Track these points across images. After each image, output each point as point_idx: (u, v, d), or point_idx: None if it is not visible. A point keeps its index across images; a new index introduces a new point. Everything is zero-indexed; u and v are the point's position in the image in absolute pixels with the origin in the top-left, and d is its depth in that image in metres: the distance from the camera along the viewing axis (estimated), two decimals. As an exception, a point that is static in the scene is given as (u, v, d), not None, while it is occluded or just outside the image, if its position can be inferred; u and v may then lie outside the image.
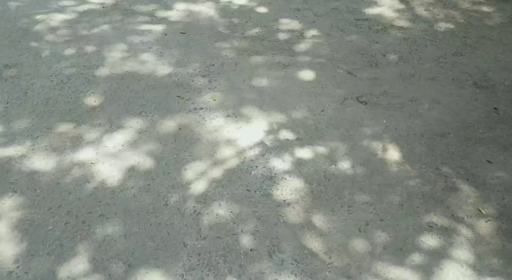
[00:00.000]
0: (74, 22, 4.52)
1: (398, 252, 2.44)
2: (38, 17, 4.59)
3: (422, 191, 2.80)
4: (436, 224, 2.60)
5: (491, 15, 4.79)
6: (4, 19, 4.55)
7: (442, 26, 4.60)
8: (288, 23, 4.60)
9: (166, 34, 4.34)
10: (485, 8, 4.92)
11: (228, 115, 3.35)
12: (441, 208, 2.69)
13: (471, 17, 4.76)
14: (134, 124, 3.24)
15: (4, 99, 3.45)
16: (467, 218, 2.64)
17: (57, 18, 4.58)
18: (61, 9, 4.75)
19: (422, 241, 2.51)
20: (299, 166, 2.95)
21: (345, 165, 2.97)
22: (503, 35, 4.44)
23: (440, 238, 2.52)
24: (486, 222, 2.63)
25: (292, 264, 2.37)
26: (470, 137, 3.22)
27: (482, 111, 3.47)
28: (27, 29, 4.38)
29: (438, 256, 2.43)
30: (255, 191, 2.77)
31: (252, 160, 2.99)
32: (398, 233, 2.54)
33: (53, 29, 4.38)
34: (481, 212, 2.68)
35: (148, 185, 2.79)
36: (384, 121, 3.35)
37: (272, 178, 2.86)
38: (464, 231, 2.57)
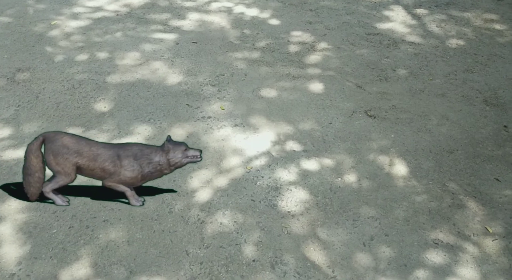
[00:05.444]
0: (88, 28, 4.59)
1: (403, 268, 2.41)
2: (53, 23, 4.66)
3: (428, 207, 2.77)
4: (442, 241, 2.56)
5: (503, 33, 4.78)
6: (20, 24, 4.63)
7: (453, 42, 4.59)
8: (299, 36, 4.62)
9: (178, 43, 4.39)
10: (497, 26, 4.91)
11: (236, 125, 3.36)
12: (448, 225, 2.66)
13: (482, 34, 4.75)
14: (143, 130, 3.26)
15: (16, 102, 3.49)
16: (474, 236, 2.60)
17: (72, 25, 4.65)
18: (76, 16, 4.83)
19: (427, 257, 2.47)
20: (305, 178, 2.94)
21: (351, 178, 2.95)
22: (515, 53, 4.42)
23: (445, 255, 2.49)
24: (492, 240, 2.59)
25: (295, 277, 2.35)
26: (478, 154, 3.19)
27: (491, 128, 3.44)
28: (41, 34, 4.45)
29: (443, 273, 2.39)
30: (260, 201, 2.76)
31: (258, 170, 2.98)
32: (403, 249, 2.51)
33: (67, 35, 4.45)
34: (488, 230, 2.64)
35: (153, 191, 2.79)
36: (392, 135, 3.33)
37: (277, 189, 2.85)
38: (470, 249, 2.53)
